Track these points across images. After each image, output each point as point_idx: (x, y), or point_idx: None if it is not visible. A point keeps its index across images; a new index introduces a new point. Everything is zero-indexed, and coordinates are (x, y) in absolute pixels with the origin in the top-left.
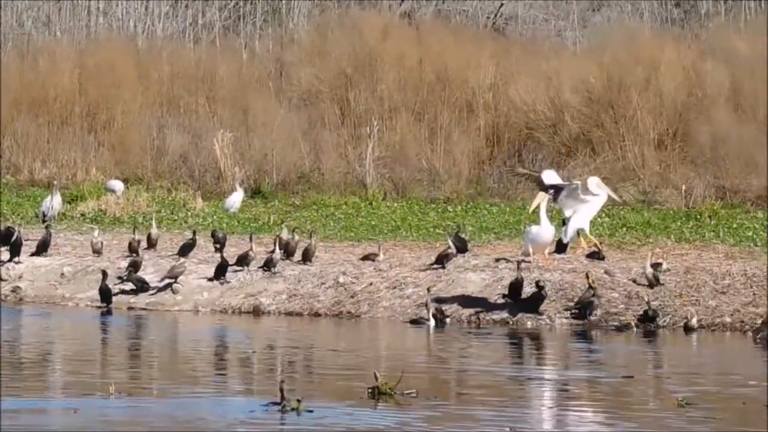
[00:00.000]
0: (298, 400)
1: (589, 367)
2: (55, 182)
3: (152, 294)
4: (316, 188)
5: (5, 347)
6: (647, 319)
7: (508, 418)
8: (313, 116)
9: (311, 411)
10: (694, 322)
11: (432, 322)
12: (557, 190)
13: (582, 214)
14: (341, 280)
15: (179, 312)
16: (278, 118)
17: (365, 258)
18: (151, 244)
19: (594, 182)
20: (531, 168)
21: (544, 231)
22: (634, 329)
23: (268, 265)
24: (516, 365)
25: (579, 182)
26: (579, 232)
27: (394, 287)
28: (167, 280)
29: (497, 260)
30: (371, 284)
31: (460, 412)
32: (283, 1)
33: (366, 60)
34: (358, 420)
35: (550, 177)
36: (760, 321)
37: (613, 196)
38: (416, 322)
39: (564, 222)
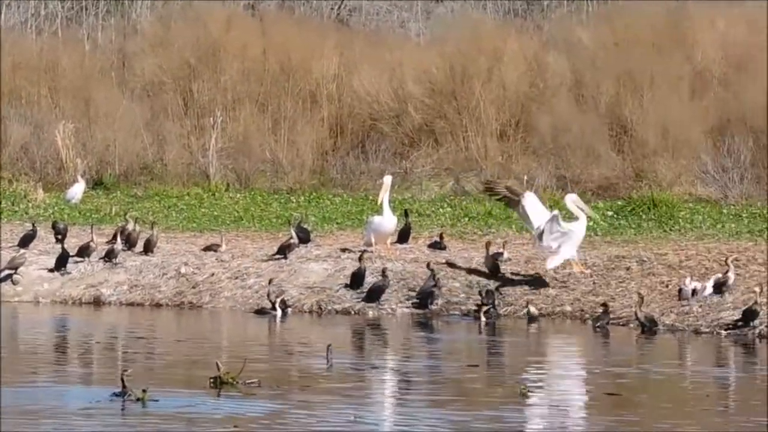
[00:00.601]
0: (144, 390)
1: (432, 356)
2: None
3: None
4: (158, 179)
5: None
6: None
7: (351, 406)
8: (156, 107)
9: (156, 400)
10: (533, 310)
11: (279, 313)
12: (540, 232)
13: (569, 246)
14: (183, 270)
15: (19, 303)
16: (121, 109)
17: (207, 248)
18: None
19: (570, 200)
20: (374, 158)
21: (387, 221)
22: (483, 319)
23: (109, 256)
24: (358, 354)
25: (556, 212)
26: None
27: (236, 278)
28: (7, 271)
29: (342, 250)
30: (213, 275)
31: (303, 400)
32: None
33: (209, 51)
34: (201, 409)
35: (531, 202)
36: (600, 309)
37: (590, 213)
38: (261, 312)
39: (406, 213)
